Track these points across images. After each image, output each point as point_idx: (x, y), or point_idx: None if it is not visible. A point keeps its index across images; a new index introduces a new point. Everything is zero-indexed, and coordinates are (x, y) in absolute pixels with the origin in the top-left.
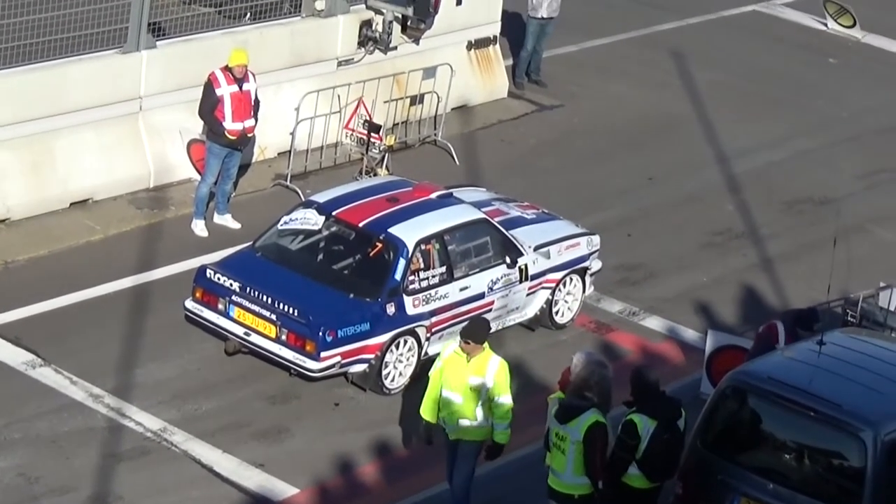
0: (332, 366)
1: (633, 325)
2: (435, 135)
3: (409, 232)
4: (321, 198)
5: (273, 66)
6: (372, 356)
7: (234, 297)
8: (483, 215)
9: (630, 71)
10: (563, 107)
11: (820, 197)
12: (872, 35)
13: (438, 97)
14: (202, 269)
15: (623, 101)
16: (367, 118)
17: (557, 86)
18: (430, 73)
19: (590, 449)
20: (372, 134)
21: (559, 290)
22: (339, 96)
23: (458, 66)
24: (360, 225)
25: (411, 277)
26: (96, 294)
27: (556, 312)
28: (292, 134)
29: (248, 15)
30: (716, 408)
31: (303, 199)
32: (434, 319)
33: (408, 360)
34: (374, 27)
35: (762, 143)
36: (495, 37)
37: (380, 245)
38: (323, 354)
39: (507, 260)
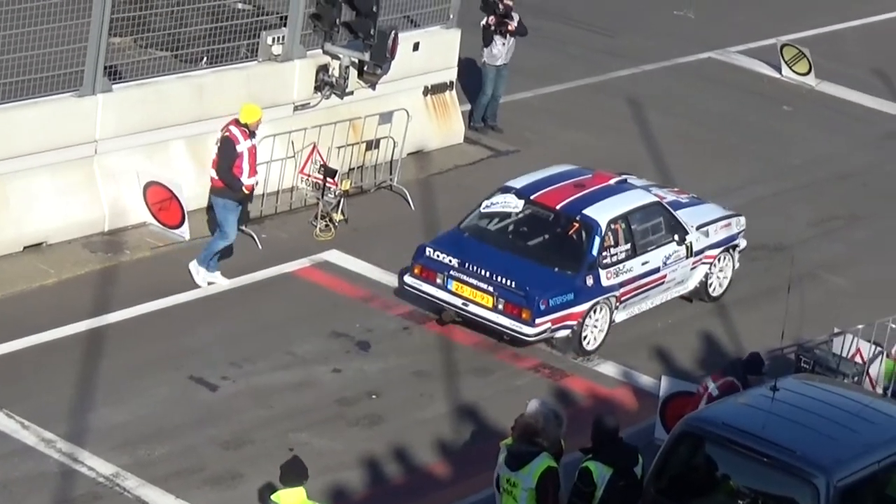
0: (544, 331)
1: (588, 371)
2: (391, 180)
3: (601, 213)
4: (517, 184)
5: (230, 110)
6: (575, 322)
7: (451, 272)
8: (656, 198)
9: (586, 117)
10: (519, 152)
11: (774, 244)
12: (826, 83)
13: (394, 142)
14: (422, 247)
15: (579, 147)
16: (323, 163)
17: (513, 132)
18: (386, 118)
19: (542, 495)
20: (327, 179)
21: (714, 265)
22: (293, 141)
23: (414, 112)
24: (558, 207)
25: (604, 253)
26: (49, 338)
27: (710, 286)
28: None
29: (205, 59)
30: (670, 454)
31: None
32: (622, 290)
33: (601, 326)
34: (330, 72)
35: (717, 189)
36: (452, 82)
37: (577, 225)
38: (537, 321)
39: (677, 238)
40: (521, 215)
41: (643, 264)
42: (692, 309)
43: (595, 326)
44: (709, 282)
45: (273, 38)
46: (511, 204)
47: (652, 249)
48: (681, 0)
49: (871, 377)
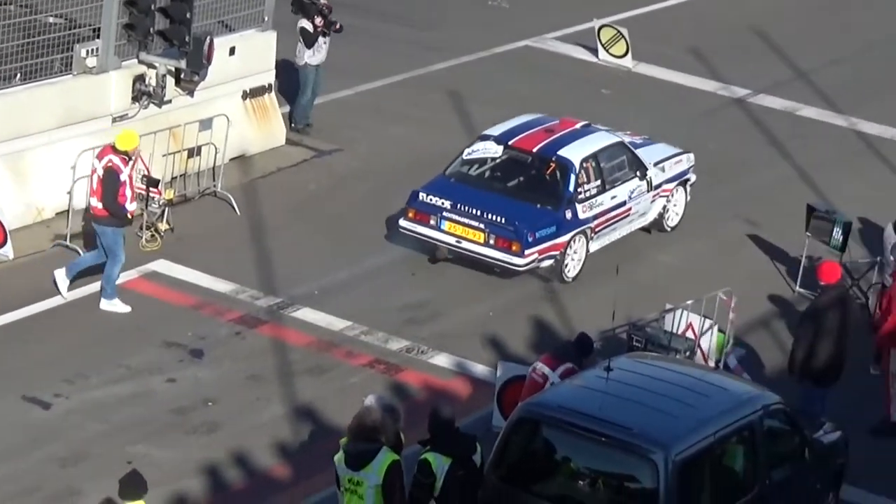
0: (532, 261)
1: (422, 364)
2: (214, 186)
3: (574, 153)
4: (495, 132)
5: (46, 125)
6: (558, 252)
7: (444, 213)
8: (620, 138)
9: (407, 112)
10: (342, 151)
11: None
12: (644, 64)
13: (216, 148)
14: (415, 192)
15: (401, 142)
16: (145, 173)
17: (335, 130)
18: (206, 124)
19: (389, 490)
20: (150, 189)
21: (670, 198)
22: None
23: (234, 117)
24: (534, 150)
25: (579, 189)
26: None
27: (667, 217)
28: (69, 193)
29: (19, 76)
30: (509, 440)
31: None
32: (595, 222)
33: (580, 255)
34: (147, 81)
35: None
36: (270, 85)
37: (553, 165)
38: (526, 252)
39: (639, 174)
40: (500, 160)
41: (612, 198)
42: (521, 294)
43: (574, 255)
44: (666, 214)
45: (87, 51)
46: (491, 150)
47: (619, 185)
48: None
49: (703, 351)
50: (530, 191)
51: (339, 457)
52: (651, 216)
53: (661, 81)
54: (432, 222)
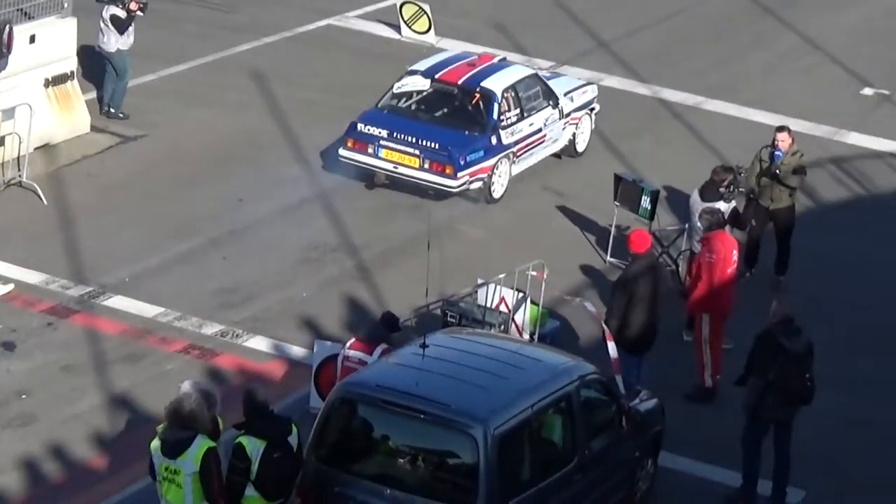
0: (464, 184)
1: (238, 348)
2: (20, 176)
3: (496, 83)
4: (421, 67)
5: None
6: (486, 175)
7: (381, 142)
8: (534, 70)
9: (212, 95)
10: (147, 136)
11: (411, 203)
12: (447, 39)
13: (20, 138)
14: (353, 123)
15: (206, 125)
16: None
17: (140, 116)
18: (8, 114)
19: (206, 476)
20: None
21: (578, 125)
22: None
23: (37, 105)
24: (460, 82)
25: (501, 117)
26: None
27: (577, 143)
28: None
29: None
30: (327, 421)
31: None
32: (517, 147)
33: (504, 178)
34: None
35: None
36: (72, 72)
37: (478, 95)
38: (459, 175)
39: (552, 103)
40: (428, 92)
41: (530, 125)
42: (334, 274)
43: (500, 178)
44: (575, 140)
45: None
46: (419, 84)
47: (535, 113)
48: None
49: (517, 324)
50: (458, 119)
51: (155, 445)
52: (563, 142)
53: None
54: (370, 151)
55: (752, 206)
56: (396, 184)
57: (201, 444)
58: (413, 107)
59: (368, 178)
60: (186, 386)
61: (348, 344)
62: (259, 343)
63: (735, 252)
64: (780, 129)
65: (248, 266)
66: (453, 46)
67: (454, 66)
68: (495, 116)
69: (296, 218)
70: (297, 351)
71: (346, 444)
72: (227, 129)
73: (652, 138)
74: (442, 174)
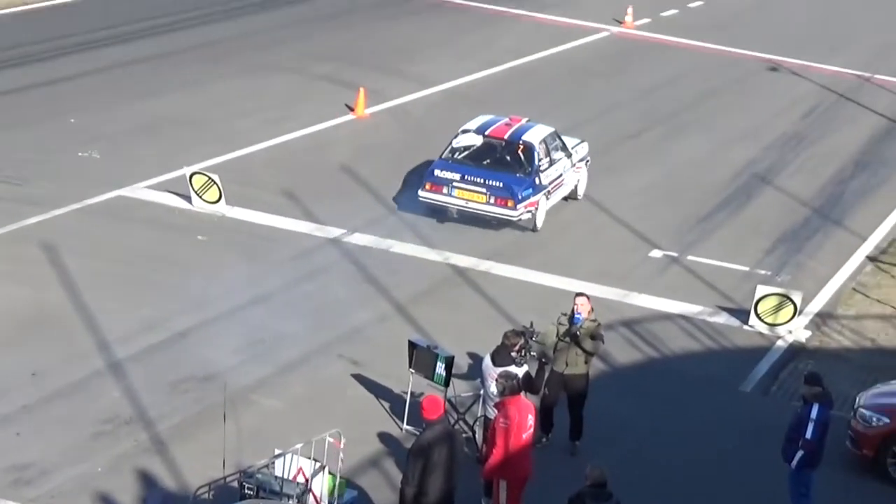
0: (521, 214)
1: None
2: None
3: (534, 136)
4: (471, 126)
5: None
6: (533, 208)
7: (454, 184)
8: (554, 129)
9: (1, 268)
10: None
11: (203, 374)
12: (238, 208)
13: None
14: (430, 170)
15: None
16: None
17: None
18: None
19: None
20: None
21: (580, 173)
22: None
23: None
24: (506, 137)
25: (540, 163)
26: None
27: (578, 189)
28: None
29: None
30: None
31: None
32: (549, 187)
33: (542, 210)
34: None
35: (141, 327)
36: None
37: (521, 146)
38: (518, 206)
39: (566, 154)
40: (480, 145)
41: (555, 171)
42: (129, 448)
43: (542, 211)
44: (577, 186)
45: None
46: (472, 139)
47: (558, 161)
48: (85, 140)
49: (315, 495)
50: (509, 165)
51: None
52: (571, 186)
53: (256, 225)
54: (445, 191)
55: (545, 370)
56: (465, 217)
57: None
58: (472, 156)
59: (443, 213)
60: None
61: None
62: None
63: (531, 417)
64: (580, 294)
65: (41, 441)
66: (244, 216)
67: (496, 125)
68: (536, 162)
69: (89, 390)
70: None
71: None
72: (17, 302)
73: (445, 304)
74: (505, 207)
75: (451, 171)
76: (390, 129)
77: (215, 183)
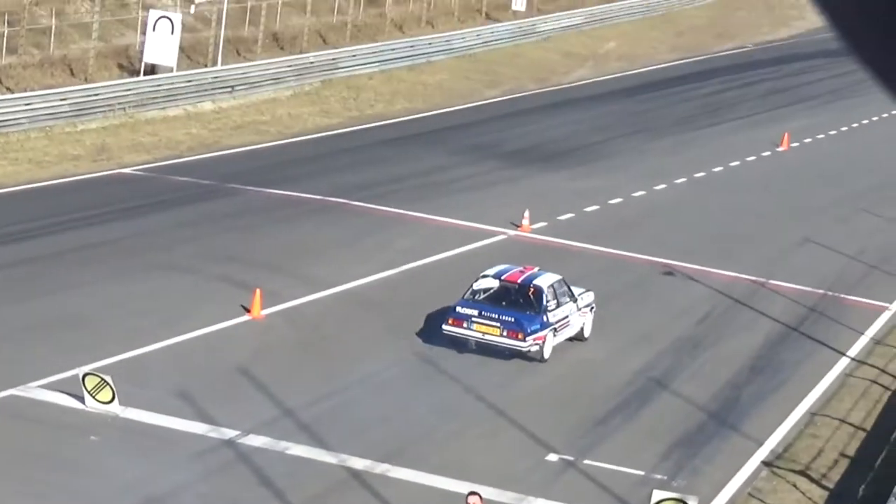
0: (529, 346)
1: None
2: None
3: (543, 282)
4: (490, 272)
5: None
6: (541, 341)
7: (473, 319)
8: (561, 276)
9: None
10: None
11: None
12: (132, 408)
13: None
14: (454, 307)
15: None
16: None
17: None
18: None
19: None
20: None
21: (585, 318)
22: None
23: None
24: (519, 281)
25: (548, 304)
26: None
27: (584, 331)
28: None
29: None
30: None
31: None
32: (556, 325)
33: (549, 346)
34: None
35: None
36: None
37: (533, 289)
38: (527, 339)
39: (571, 299)
40: (496, 288)
41: (562, 312)
42: None
43: (548, 344)
44: (583, 328)
45: None
46: (491, 283)
47: (564, 304)
48: None
49: None
50: (520, 305)
51: None
52: (577, 328)
53: (150, 425)
54: (465, 325)
55: None
56: (483, 348)
57: None
58: (488, 298)
59: (462, 345)
60: None
61: None
62: None
63: None
64: (472, 493)
65: None
66: (139, 416)
67: (511, 272)
68: (544, 303)
69: None
70: None
71: None
72: None
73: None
74: (515, 339)
75: (471, 309)
76: (285, 330)
77: (108, 383)
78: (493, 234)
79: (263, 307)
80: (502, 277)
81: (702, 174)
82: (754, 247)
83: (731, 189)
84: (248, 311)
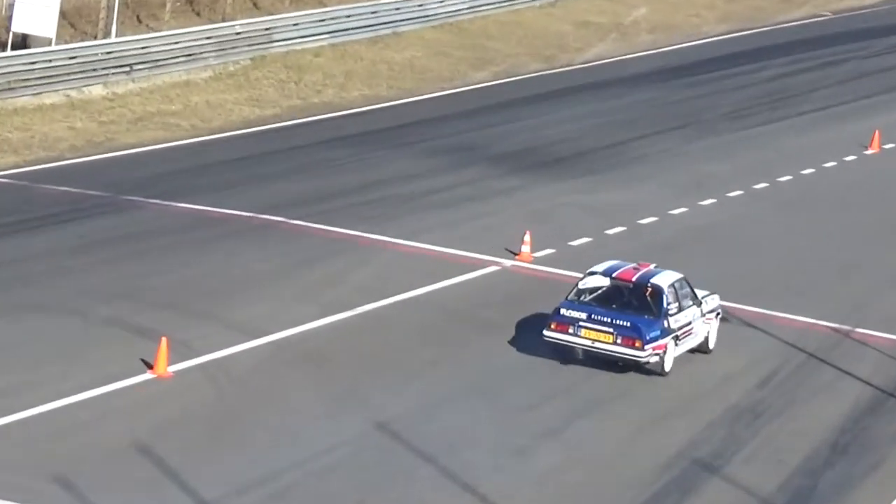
0: (649, 356)
1: None
2: None
3: (662, 281)
4: (598, 269)
5: None
6: (661, 351)
7: (580, 323)
8: (683, 275)
9: None
10: None
11: None
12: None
13: None
14: (557, 310)
15: None
16: None
17: None
18: None
19: None
20: None
21: (710, 325)
22: None
23: None
24: (634, 279)
25: (668, 307)
26: None
27: (709, 341)
28: None
29: None
30: None
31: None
32: (679, 332)
33: (671, 356)
34: None
35: None
36: None
37: (650, 289)
38: (646, 348)
39: (695, 302)
40: (608, 287)
41: (684, 317)
42: None
43: (670, 355)
44: (708, 338)
45: None
46: (599, 281)
47: (687, 308)
48: None
49: None
50: (637, 307)
51: None
52: (701, 337)
53: None
54: (571, 331)
55: None
56: (597, 356)
57: None
58: (599, 298)
59: (568, 353)
60: None
61: None
62: None
63: None
64: None
65: None
66: None
67: (623, 268)
68: (665, 306)
69: None
70: None
71: None
72: None
73: None
74: (632, 347)
75: (578, 311)
76: (200, 393)
77: None
78: (482, 264)
79: (171, 362)
80: (614, 275)
81: (763, 185)
82: (836, 283)
83: (804, 205)
84: (150, 367)
